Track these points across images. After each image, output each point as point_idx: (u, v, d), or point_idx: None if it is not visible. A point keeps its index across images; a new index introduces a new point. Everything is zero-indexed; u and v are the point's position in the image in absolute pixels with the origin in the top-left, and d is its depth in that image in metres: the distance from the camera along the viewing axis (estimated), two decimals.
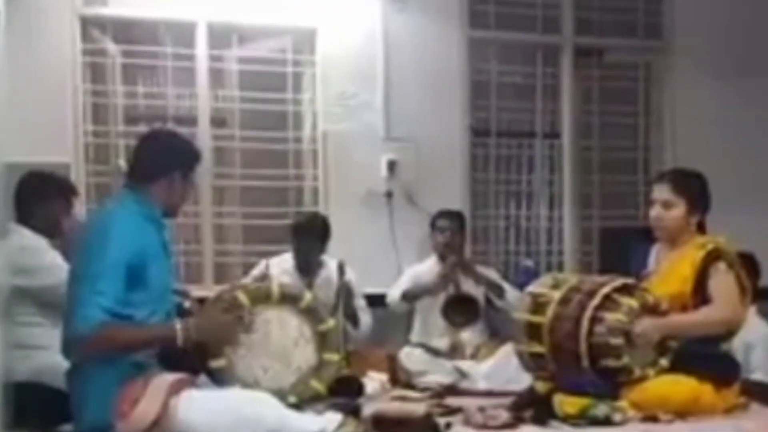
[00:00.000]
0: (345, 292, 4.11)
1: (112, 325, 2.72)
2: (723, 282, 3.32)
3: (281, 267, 4.38)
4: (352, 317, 4.29)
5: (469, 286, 4.58)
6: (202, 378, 2.92)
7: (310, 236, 4.41)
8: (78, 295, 2.76)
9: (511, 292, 4.59)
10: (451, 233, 4.72)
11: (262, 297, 3.07)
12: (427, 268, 4.78)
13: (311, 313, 3.12)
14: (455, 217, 4.81)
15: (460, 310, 4.32)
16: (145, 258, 2.82)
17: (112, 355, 2.77)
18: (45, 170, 3.72)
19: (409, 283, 4.73)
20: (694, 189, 3.46)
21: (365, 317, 4.44)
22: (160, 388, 2.66)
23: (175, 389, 2.68)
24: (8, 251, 3.36)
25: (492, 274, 4.81)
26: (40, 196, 3.55)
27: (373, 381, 3.95)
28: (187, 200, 3.16)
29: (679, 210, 3.43)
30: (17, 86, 3.99)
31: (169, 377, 2.73)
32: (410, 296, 4.67)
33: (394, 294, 4.71)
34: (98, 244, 2.78)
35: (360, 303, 4.43)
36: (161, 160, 2.98)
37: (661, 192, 3.47)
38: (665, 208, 3.45)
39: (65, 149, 4.67)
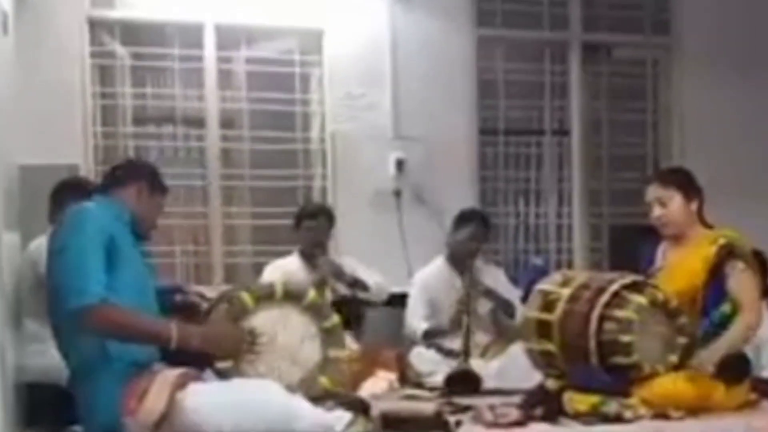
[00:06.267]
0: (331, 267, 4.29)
1: (112, 303, 2.70)
2: (745, 284, 3.34)
3: (285, 269, 4.38)
4: (355, 284, 4.36)
5: (482, 305, 4.55)
6: (207, 372, 2.91)
7: (322, 217, 4.51)
8: (68, 273, 2.72)
9: (520, 311, 4.51)
10: (478, 241, 4.60)
11: (265, 296, 3.08)
12: (437, 273, 4.67)
13: (315, 310, 3.13)
14: (483, 221, 4.66)
15: (463, 382, 4.09)
16: (116, 244, 2.81)
17: (108, 343, 2.75)
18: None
19: (424, 306, 4.59)
20: (681, 179, 3.52)
21: (375, 278, 4.47)
22: (166, 383, 2.66)
23: (181, 383, 2.68)
24: (38, 250, 3.41)
25: (501, 278, 4.74)
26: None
27: (382, 380, 3.95)
28: (155, 219, 3.15)
29: (676, 202, 3.46)
30: (27, 89, 4.02)
31: (175, 371, 2.73)
32: (431, 336, 4.52)
33: (415, 328, 4.56)
34: (75, 229, 2.79)
35: (367, 272, 4.47)
36: (130, 168, 3.15)
37: (652, 192, 3.52)
38: (662, 205, 3.47)
39: (75, 151, 4.69)
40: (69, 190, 3.65)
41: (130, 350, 2.78)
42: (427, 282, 4.68)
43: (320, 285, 4.22)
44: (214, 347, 2.87)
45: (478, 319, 4.49)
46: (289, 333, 3.06)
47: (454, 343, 4.42)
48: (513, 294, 4.63)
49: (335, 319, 3.18)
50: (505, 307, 4.56)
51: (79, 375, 2.85)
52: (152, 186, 3.08)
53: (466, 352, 4.20)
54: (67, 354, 2.88)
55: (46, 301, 3.33)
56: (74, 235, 2.78)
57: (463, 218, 4.64)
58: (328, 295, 4.24)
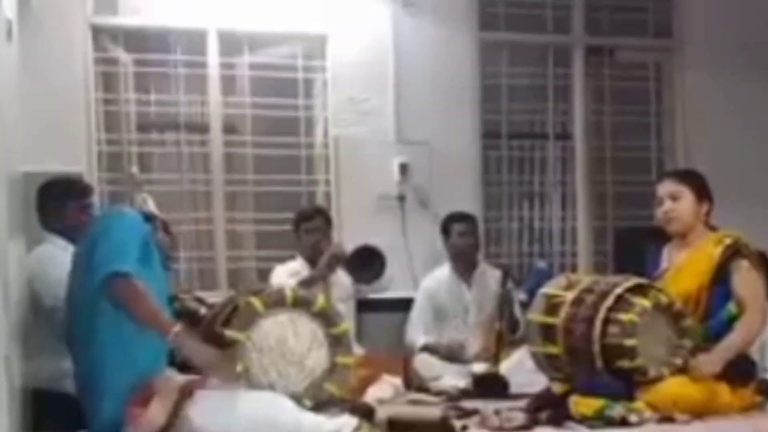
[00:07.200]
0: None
1: (140, 281, 2.79)
2: (750, 284, 3.35)
3: (292, 270, 4.42)
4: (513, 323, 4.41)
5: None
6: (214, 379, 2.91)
7: (319, 217, 4.56)
8: (106, 248, 2.82)
9: (522, 329, 4.49)
10: (472, 237, 4.72)
11: (276, 302, 3.08)
12: (444, 282, 4.71)
13: (324, 317, 3.12)
14: (471, 220, 4.80)
15: (491, 384, 4.05)
16: (148, 246, 2.94)
17: (119, 347, 2.80)
18: (62, 176, 3.76)
19: (427, 317, 4.64)
20: (695, 179, 3.54)
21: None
22: (171, 391, 2.65)
23: (187, 392, 2.67)
24: (40, 259, 3.40)
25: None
26: (62, 202, 3.58)
27: (388, 384, 3.94)
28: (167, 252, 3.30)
29: (687, 199, 3.47)
30: (30, 96, 4.03)
31: (180, 379, 2.72)
32: (431, 351, 4.54)
33: (414, 340, 4.60)
34: (117, 220, 2.95)
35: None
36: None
37: (666, 186, 3.53)
38: (673, 200, 3.49)
39: (78, 157, 4.68)
40: (54, 194, 3.60)
41: (142, 355, 2.79)
42: (433, 290, 4.72)
43: (334, 259, 4.30)
44: (196, 360, 2.84)
45: (489, 323, 4.48)
46: (298, 339, 3.06)
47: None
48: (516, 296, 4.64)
49: (343, 325, 3.17)
50: (510, 323, 4.52)
51: (88, 381, 2.85)
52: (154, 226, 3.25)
53: (496, 356, 4.20)
54: (78, 359, 2.89)
55: (41, 315, 3.33)
56: (115, 224, 2.91)
57: (447, 223, 4.76)
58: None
